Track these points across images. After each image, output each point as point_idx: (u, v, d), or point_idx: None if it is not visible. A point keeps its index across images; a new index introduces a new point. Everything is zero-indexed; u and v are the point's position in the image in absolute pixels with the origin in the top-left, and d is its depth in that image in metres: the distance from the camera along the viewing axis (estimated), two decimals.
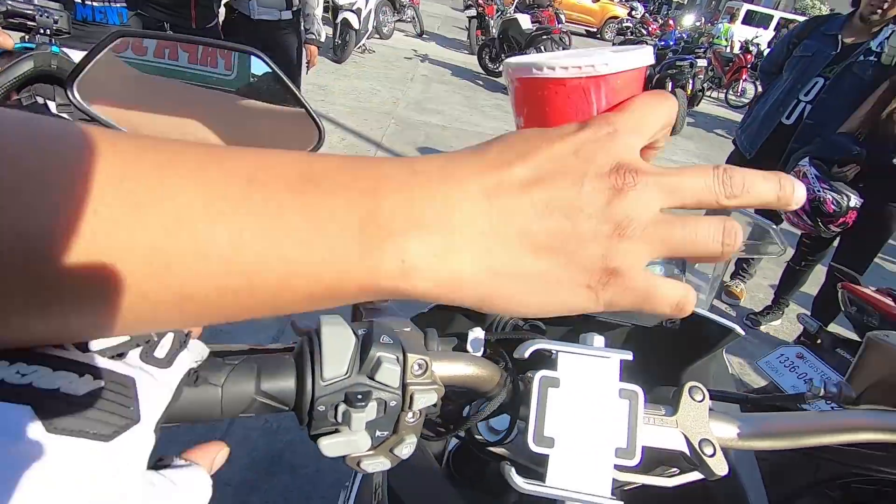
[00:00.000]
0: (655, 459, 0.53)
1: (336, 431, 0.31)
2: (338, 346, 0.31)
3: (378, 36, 8.27)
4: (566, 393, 0.38)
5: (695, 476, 0.47)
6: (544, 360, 0.40)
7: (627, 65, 0.29)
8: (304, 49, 3.11)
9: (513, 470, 0.38)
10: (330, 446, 0.31)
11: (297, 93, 0.42)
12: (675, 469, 0.48)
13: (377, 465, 0.35)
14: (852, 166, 2.13)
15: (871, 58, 2.31)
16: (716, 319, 0.66)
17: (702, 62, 6.83)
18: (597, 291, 0.23)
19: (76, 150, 0.19)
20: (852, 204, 2.13)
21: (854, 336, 1.29)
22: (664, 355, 0.69)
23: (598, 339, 0.41)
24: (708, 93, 9.27)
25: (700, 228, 0.24)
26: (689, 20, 9.77)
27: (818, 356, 1.28)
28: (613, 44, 9.62)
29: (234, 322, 0.23)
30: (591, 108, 0.28)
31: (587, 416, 0.38)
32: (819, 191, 2.14)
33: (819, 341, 1.28)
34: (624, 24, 9.82)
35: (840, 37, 2.41)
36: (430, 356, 0.34)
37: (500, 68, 7.27)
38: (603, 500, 0.36)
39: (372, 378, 0.31)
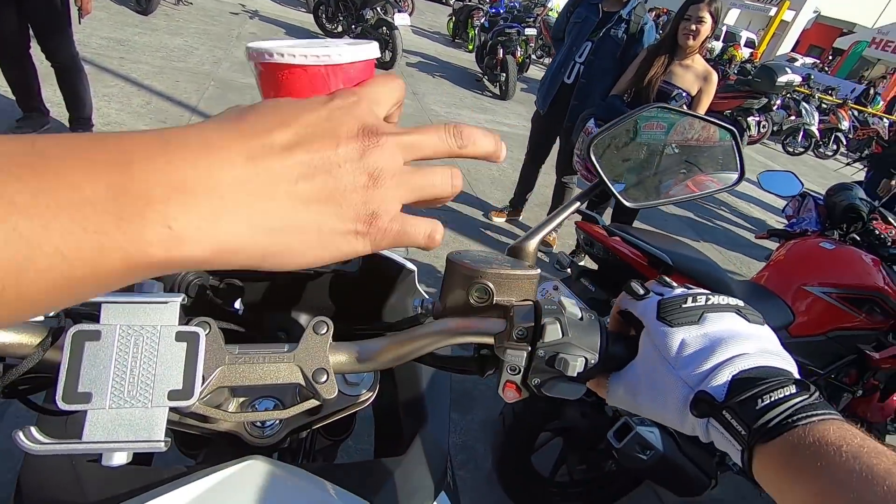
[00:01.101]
0: (292, 392, 0.56)
1: None
2: None
3: None
4: (109, 343, 0.37)
5: (311, 403, 0.50)
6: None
7: (357, 56, 0.34)
8: None
9: (25, 429, 0.36)
10: None
11: None
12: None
13: None
14: None
15: (622, 25, 2.77)
16: (393, 258, 0.72)
17: (531, 31, 7.30)
18: (365, 235, 0.27)
19: None
20: None
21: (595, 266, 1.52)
22: (361, 297, 0.73)
23: (156, 285, 0.40)
24: (540, 60, 10.02)
25: (435, 175, 0.30)
26: None
27: (569, 287, 1.49)
28: (453, 9, 9.79)
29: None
30: (329, 90, 0.33)
31: (136, 363, 0.37)
32: None
33: (570, 276, 1.50)
34: None
35: (600, 5, 2.81)
36: None
37: (339, 29, 6.98)
38: (148, 443, 0.36)
39: None
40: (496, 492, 1.67)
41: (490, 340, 0.46)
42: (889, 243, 1.76)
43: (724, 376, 0.36)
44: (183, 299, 0.40)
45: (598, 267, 1.47)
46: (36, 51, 2.69)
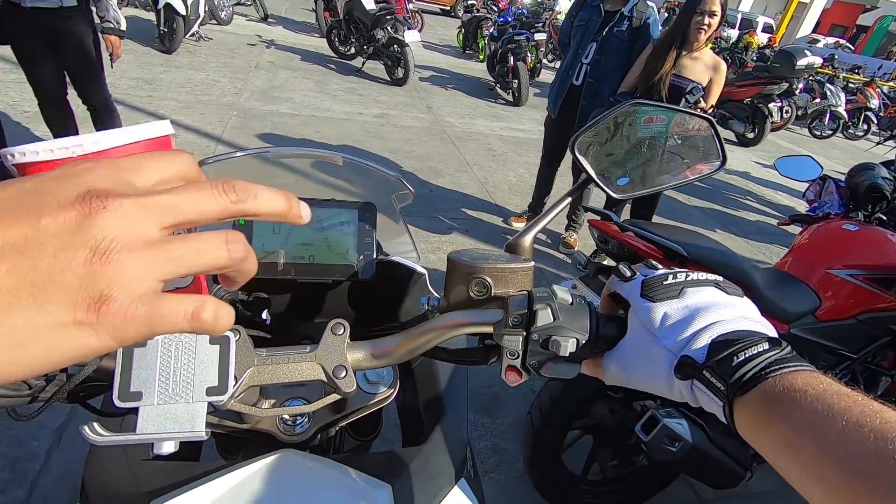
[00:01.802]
0: (319, 392, 0.61)
1: None
2: None
3: (215, 21, 7.66)
4: (153, 350, 0.42)
5: (334, 397, 0.55)
6: None
7: (122, 140, 0.32)
8: (101, 40, 2.80)
9: (89, 426, 0.42)
10: None
11: None
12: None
13: None
14: None
15: (625, 22, 2.80)
16: (405, 264, 0.77)
17: (541, 36, 7.34)
18: (93, 326, 0.21)
19: None
20: None
21: (613, 263, 1.54)
22: (378, 302, 0.78)
23: None
24: (552, 63, 10.03)
25: (202, 242, 0.24)
26: None
27: (587, 285, 1.51)
28: (462, 21, 9.93)
29: None
30: None
31: (178, 365, 0.43)
32: None
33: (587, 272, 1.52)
34: (469, 2, 10.14)
35: (602, 6, 2.85)
36: None
37: (352, 51, 7.17)
38: (191, 433, 0.42)
39: None
40: (530, 492, 1.69)
41: (489, 329, 0.50)
42: None
43: (703, 341, 0.39)
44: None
45: (616, 263, 1.48)
46: (72, 95, 2.88)
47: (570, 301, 0.47)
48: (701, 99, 2.49)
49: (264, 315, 0.71)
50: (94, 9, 2.72)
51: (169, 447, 0.42)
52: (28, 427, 1.64)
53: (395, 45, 6.44)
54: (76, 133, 3.06)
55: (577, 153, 0.54)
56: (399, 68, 6.53)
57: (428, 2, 14.71)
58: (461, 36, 9.89)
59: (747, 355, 0.36)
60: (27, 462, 1.54)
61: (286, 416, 0.61)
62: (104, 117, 2.95)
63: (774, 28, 19.25)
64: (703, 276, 0.45)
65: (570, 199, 0.58)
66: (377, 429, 0.90)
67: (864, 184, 1.74)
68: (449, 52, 9.94)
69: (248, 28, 8.19)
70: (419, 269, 0.76)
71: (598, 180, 0.56)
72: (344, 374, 0.49)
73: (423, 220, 3.41)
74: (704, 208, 4.70)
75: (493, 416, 2.03)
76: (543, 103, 6.82)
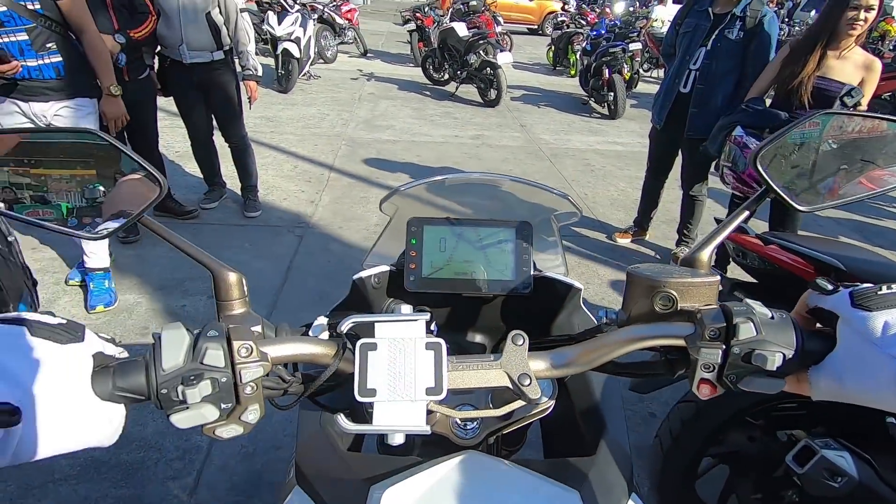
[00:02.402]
0: (501, 399, 0.65)
1: (187, 409, 0.43)
2: (173, 343, 0.43)
3: (322, 61, 8.39)
4: (383, 353, 0.49)
5: (518, 403, 0.59)
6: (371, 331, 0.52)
7: None
8: (242, 85, 3.21)
9: (340, 416, 0.49)
10: (179, 420, 0.43)
11: (130, 154, 0.52)
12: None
13: (230, 431, 0.46)
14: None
15: (738, 22, 2.63)
16: (561, 279, 0.79)
17: (635, 46, 7.13)
18: None
19: None
20: None
21: (751, 279, 1.44)
22: (531, 316, 0.81)
23: (406, 307, 0.53)
24: (648, 73, 9.64)
25: None
26: (620, 7, 10.14)
27: None
28: (552, 38, 9.92)
29: None
30: None
31: (402, 367, 0.49)
32: None
33: (720, 289, 1.44)
34: (559, 19, 10.13)
35: (710, 10, 2.71)
36: (255, 341, 0.45)
37: (445, 77, 7.47)
38: (417, 428, 0.48)
39: (202, 363, 0.42)
40: None
41: (680, 343, 0.51)
42: None
43: None
44: (429, 317, 0.51)
45: (757, 279, 1.38)
46: (216, 135, 3.33)
47: (770, 315, 0.47)
48: (860, 102, 2.20)
49: (432, 327, 0.78)
50: (237, 59, 3.14)
51: (399, 439, 0.48)
52: None
53: (488, 68, 6.61)
54: (218, 168, 3.51)
55: (758, 166, 0.54)
56: (492, 90, 6.67)
57: (515, 22, 14.89)
58: (551, 53, 9.87)
59: None
60: (194, 454, 1.77)
61: (458, 420, 0.66)
62: (241, 154, 3.37)
63: None
64: None
65: (747, 213, 0.58)
66: (522, 441, 0.93)
67: None
68: (539, 69, 9.96)
69: (351, 64, 8.87)
70: (577, 284, 0.79)
71: (781, 192, 0.55)
72: (528, 381, 0.53)
73: None
74: (838, 218, 4.19)
75: None
76: (642, 115, 6.56)
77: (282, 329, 0.54)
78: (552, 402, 0.67)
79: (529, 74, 9.41)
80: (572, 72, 8.84)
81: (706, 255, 0.58)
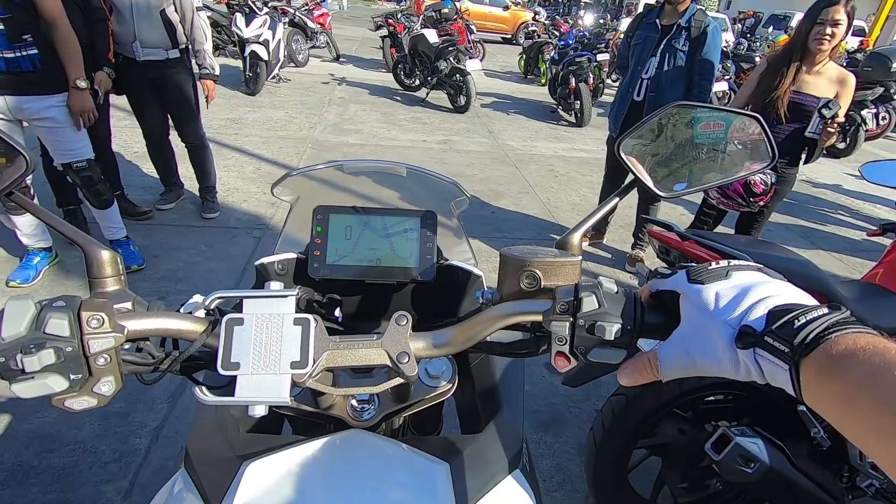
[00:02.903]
0: (385, 373, 0.67)
1: (31, 379, 0.43)
2: (16, 313, 0.43)
3: (293, 64, 8.34)
4: (249, 327, 0.50)
5: (397, 380, 0.60)
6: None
7: None
8: (200, 85, 3.17)
9: (199, 388, 0.50)
10: (21, 389, 0.43)
11: None
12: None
13: (82, 403, 0.46)
14: None
15: (684, 32, 2.77)
16: (463, 267, 0.82)
17: (603, 56, 7.30)
18: None
19: None
20: (773, 180, 2.48)
21: None
22: (444, 298, 0.84)
23: (276, 284, 0.54)
24: (616, 83, 9.88)
25: None
26: (589, 19, 10.41)
27: None
28: (523, 48, 10.10)
29: None
30: None
31: (267, 342, 0.50)
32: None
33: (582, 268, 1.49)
34: (530, 29, 10.31)
35: (658, 21, 2.85)
36: (110, 313, 0.46)
37: (416, 82, 7.51)
38: (279, 399, 0.49)
39: (44, 332, 0.43)
40: None
41: (539, 318, 0.53)
42: None
43: (760, 311, 0.39)
44: (298, 293, 0.53)
45: None
46: (173, 136, 3.27)
47: (616, 290, 0.50)
48: (837, 114, 2.28)
49: (337, 313, 0.79)
50: (193, 58, 3.10)
51: (260, 410, 0.49)
52: (131, 426, 1.84)
53: (458, 75, 6.68)
54: (175, 169, 3.45)
55: (622, 154, 0.57)
56: (461, 96, 6.75)
57: (489, 31, 15.09)
58: (522, 62, 10.04)
59: (808, 318, 0.36)
60: (131, 457, 1.73)
61: (355, 403, 0.67)
62: (199, 154, 3.32)
63: (867, 31, 17.74)
64: (745, 262, 0.46)
65: (617, 200, 0.61)
66: (437, 428, 0.94)
67: None
68: (510, 77, 10.10)
69: (323, 68, 8.84)
70: (476, 271, 0.81)
71: (643, 180, 0.58)
72: (407, 359, 0.54)
73: (485, 239, 3.47)
74: (788, 224, 4.37)
75: (555, 435, 2.00)
76: (607, 123, 6.73)
77: (154, 306, 0.54)
78: (451, 386, 0.69)
79: (501, 82, 9.53)
80: (542, 80, 9.00)
81: (576, 238, 0.61)
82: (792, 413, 1.38)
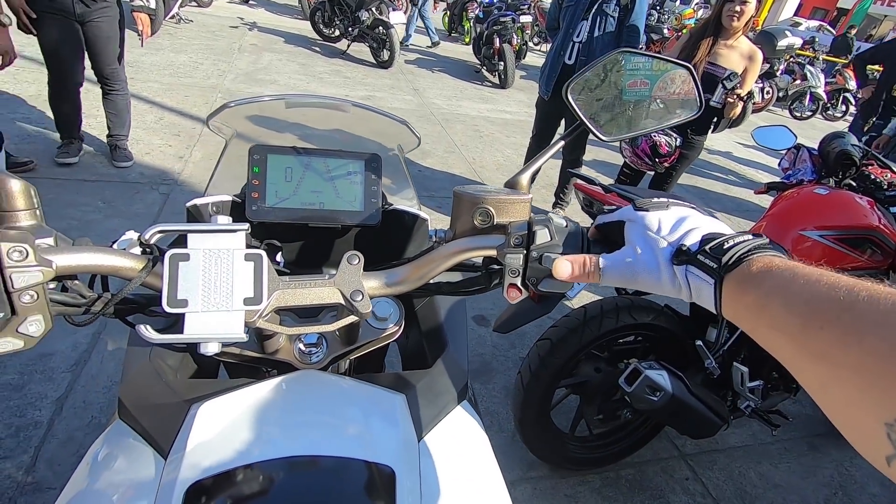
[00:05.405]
0: (332, 315, 0.66)
1: None
2: None
3: (196, 3, 7.50)
4: (197, 263, 0.47)
5: (351, 319, 0.60)
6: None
7: None
8: (135, 19, 2.88)
9: (142, 326, 0.47)
10: None
11: None
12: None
13: (5, 344, 0.41)
14: None
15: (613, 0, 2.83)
16: (408, 210, 0.82)
17: (526, 18, 7.33)
18: None
19: None
20: (678, 143, 2.72)
21: None
22: (388, 243, 0.83)
23: (224, 218, 0.51)
24: (538, 46, 10.03)
25: None
26: None
27: None
28: (447, 4, 9.85)
29: None
30: None
31: (217, 278, 0.48)
32: (654, 135, 2.60)
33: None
34: None
35: None
36: (34, 246, 0.41)
37: (336, 33, 7.10)
38: (233, 336, 0.47)
39: None
40: (520, 450, 1.77)
41: (493, 253, 0.55)
42: (885, 186, 1.82)
43: (696, 236, 0.46)
44: (247, 228, 0.50)
45: None
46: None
47: (565, 224, 0.53)
48: (738, 86, 2.50)
49: (278, 258, 0.76)
50: None
51: (213, 348, 0.47)
52: (28, 398, 1.67)
53: (381, 27, 6.39)
54: (80, 122, 3.02)
55: (569, 97, 0.59)
56: (385, 50, 6.49)
57: None
58: (446, 18, 9.82)
59: (735, 242, 0.42)
60: (32, 430, 1.58)
61: (302, 346, 0.66)
62: (121, 98, 3.05)
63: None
64: (680, 200, 0.52)
65: (563, 142, 0.64)
66: (380, 370, 0.96)
67: (835, 151, 1.83)
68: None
69: (230, 10, 8.04)
70: (422, 215, 0.81)
71: (588, 123, 0.61)
72: (360, 297, 0.54)
73: None
74: (688, 186, 4.80)
75: (483, 382, 2.11)
76: (530, 86, 6.82)
77: (81, 241, 0.49)
78: (398, 328, 0.70)
79: (425, 38, 9.28)
80: (466, 39, 8.89)
81: (526, 178, 0.63)
82: (690, 347, 1.57)
